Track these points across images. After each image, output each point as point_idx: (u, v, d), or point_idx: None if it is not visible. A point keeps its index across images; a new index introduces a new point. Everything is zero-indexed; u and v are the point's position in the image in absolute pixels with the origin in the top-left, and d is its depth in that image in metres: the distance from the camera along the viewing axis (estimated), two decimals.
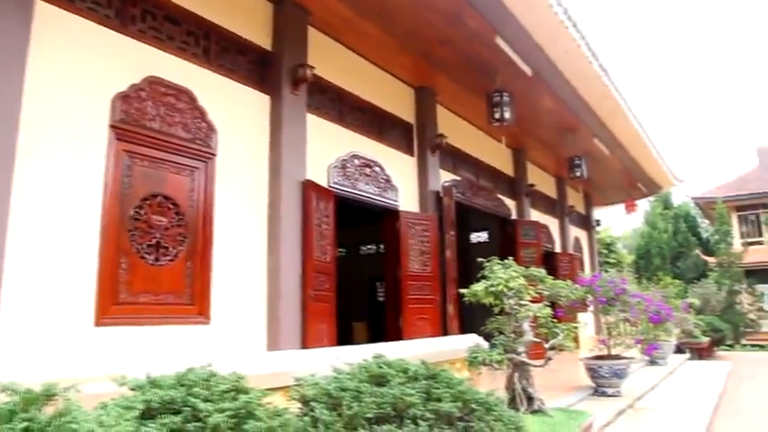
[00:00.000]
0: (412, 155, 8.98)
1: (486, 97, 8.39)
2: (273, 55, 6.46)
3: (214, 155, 5.60)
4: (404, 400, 2.32)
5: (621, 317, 8.08)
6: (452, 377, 2.69)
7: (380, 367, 2.59)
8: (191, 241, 5.22)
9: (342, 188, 7.20)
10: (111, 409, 1.50)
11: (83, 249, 4.41)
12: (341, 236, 8.37)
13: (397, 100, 8.78)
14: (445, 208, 9.12)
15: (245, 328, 5.64)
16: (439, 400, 2.43)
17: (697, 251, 25.80)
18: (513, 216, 12.25)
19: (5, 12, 4.04)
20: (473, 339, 5.29)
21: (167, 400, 1.62)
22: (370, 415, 2.24)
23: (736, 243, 24.69)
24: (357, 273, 14.74)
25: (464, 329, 7.84)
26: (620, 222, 32.69)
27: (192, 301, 5.15)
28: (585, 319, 13.29)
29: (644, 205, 27.05)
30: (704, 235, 28.67)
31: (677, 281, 18.29)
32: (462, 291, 5.37)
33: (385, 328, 8.29)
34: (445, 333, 8.34)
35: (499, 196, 11.75)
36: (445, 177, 9.65)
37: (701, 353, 14.41)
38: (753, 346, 19.87)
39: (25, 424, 1.27)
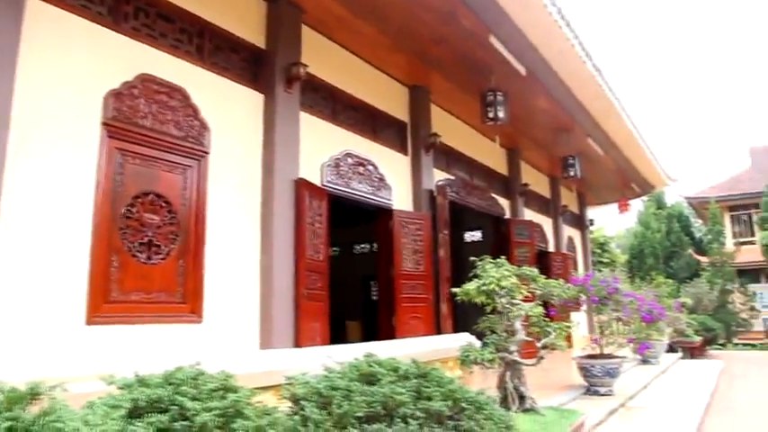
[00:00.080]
0: (406, 154, 8.98)
1: (480, 96, 8.40)
2: (267, 53, 6.44)
3: (207, 153, 5.58)
4: (394, 398, 2.33)
5: (614, 316, 8.11)
6: (443, 376, 2.69)
7: (371, 366, 2.59)
8: (183, 239, 5.20)
9: (335, 187, 7.19)
10: (98, 408, 1.49)
11: (74, 248, 4.38)
12: (335, 235, 8.36)
13: (390, 99, 8.78)
14: (439, 207, 9.12)
15: (237, 326, 5.62)
16: (429, 398, 2.44)
17: (690, 251, 25.91)
18: (507, 215, 12.27)
19: None
20: (466, 338, 5.30)
21: (155, 399, 1.62)
22: (360, 414, 2.25)
23: (729, 243, 24.85)
24: (351, 272, 14.73)
25: (458, 328, 7.85)
26: (613, 222, 32.78)
27: (184, 299, 5.13)
28: (578, 319, 13.34)
29: (637, 205, 27.14)
30: (697, 235, 28.80)
31: (670, 280, 18.40)
32: (455, 290, 5.38)
33: (378, 327, 8.28)
34: (438, 332, 8.35)
35: (493, 195, 11.77)
36: (439, 176, 9.65)
37: (693, 352, 14.49)
38: (744, 345, 20.01)
39: (9, 423, 1.26)
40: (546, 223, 14.71)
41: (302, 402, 2.37)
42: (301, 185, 6.38)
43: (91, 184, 4.56)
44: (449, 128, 10.09)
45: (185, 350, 4.93)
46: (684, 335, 14.12)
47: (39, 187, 4.22)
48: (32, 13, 4.32)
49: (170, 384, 1.71)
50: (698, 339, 14.77)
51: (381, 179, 8.13)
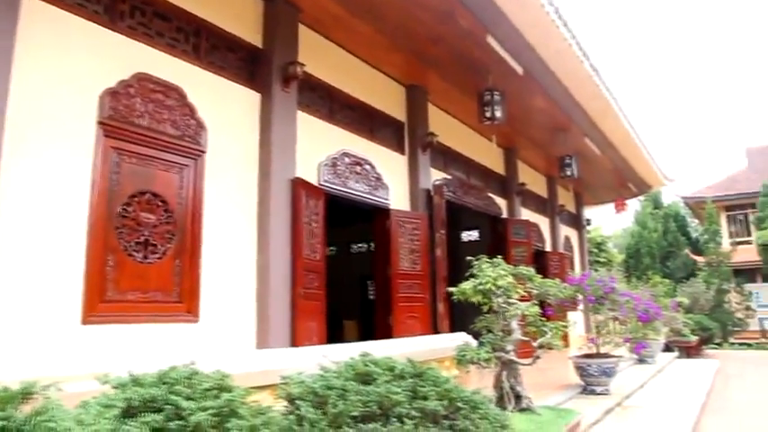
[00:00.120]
0: (403, 153, 8.98)
1: (477, 96, 8.41)
2: (264, 52, 6.43)
3: (203, 152, 5.57)
4: (389, 398, 2.32)
5: (611, 315, 8.12)
6: (439, 375, 2.69)
7: (367, 366, 2.58)
8: (179, 239, 5.20)
9: (332, 186, 7.19)
10: (91, 408, 1.49)
11: (70, 247, 4.37)
12: (332, 234, 8.37)
13: (388, 98, 8.78)
14: (436, 206, 9.13)
15: (234, 326, 5.62)
16: (425, 398, 2.44)
17: (686, 250, 25.98)
18: (504, 215, 12.28)
19: None
20: (462, 338, 5.30)
21: (149, 399, 1.61)
22: (355, 413, 2.24)
23: (725, 242, 24.89)
24: (348, 271, 14.73)
25: (455, 328, 7.85)
26: (610, 222, 32.83)
27: (180, 298, 5.13)
28: (575, 318, 13.36)
29: (634, 205, 27.20)
30: (694, 234, 28.87)
31: (667, 280, 18.41)
32: (451, 289, 5.38)
33: (375, 326, 8.29)
34: (435, 331, 8.36)
35: (490, 195, 11.78)
36: (436, 176, 9.66)
37: (689, 351, 14.51)
38: (741, 344, 20.07)
39: (1, 423, 1.25)
40: (543, 223, 14.73)
41: (298, 402, 2.37)
42: (298, 185, 6.37)
43: (87, 183, 4.55)
44: (446, 127, 10.09)
45: (182, 350, 4.93)
46: (681, 334, 14.14)
47: (34, 186, 4.21)
48: (28, 12, 4.31)
49: (164, 384, 1.71)
50: (694, 339, 14.79)
51: (378, 179, 8.13)
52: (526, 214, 13.36)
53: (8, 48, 4.10)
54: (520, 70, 7.97)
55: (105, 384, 1.78)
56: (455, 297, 5.29)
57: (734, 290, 19.79)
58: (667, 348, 13.61)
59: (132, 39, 5.12)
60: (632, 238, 27.67)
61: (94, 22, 4.82)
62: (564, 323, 5.88)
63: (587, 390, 7.43)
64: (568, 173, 12.39)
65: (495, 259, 5.42)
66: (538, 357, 5.25)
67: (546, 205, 15.24)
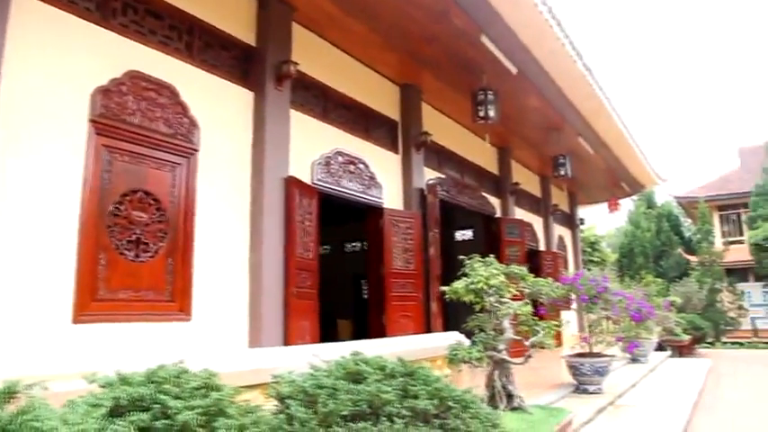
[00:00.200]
0: (397, 152, 8.98)
1: (471, 95, 8.42)
2: (257, 51, 6.41)
3: (196, 150, 5.55)
4: (380, 397, 2.32)
5: (603, 315, 8.15)
6: (430, 374, 2.69)
7: (357, 365, 2.58)
8: (172, 237, 5.18)
9: (325, 185, 7.18)
10: (78, 407, 1.48)
11: (60, 246, 4.35)
12: (326, 233, 8.35)
13: (382, 97, 8.77)
14: (429, 206, 9.13)
15: (226, 324, 5.61)
16: (415, 397, 2.44)
17: (679, 250, 26.11)
18: (498, 214, 12.31)
19: None
20: (455, 337, 5.30)
21: (136, 398, 1.60)
22: (345, 412, 2.24)
23: (718, 242, 25.05)
24: (342, 270, 14.74)
25: (448, 327, 7.86)
26: (604, 221, 32.96)
27: (172, 297, 5.11)
28: (569, 317, 13.41)
29: (627, 204, 27.32)
30: (686, 234, 29.01)
31: (659, 279, 18.54)
32: (443, 288, 5.39)
33: (368, 325, 8.29)
34: (429, 330, 8.37)
35: (484, 194, 11.80)
36: (430, 175, 9.66)
37: (681, 350, 14.58)
38: (733, 343, 20.21)
39: None
40: (537, 222, 14.77)
41: (288, 401, 2.36)
42: (291, 183, 6.36)
43: (78, 181, 4.53)
44: (440, 127, 10.10)
45: (174, 349, 4.91)
46: (673, 333, 14.21)
47: (25, 185, 4.18)
48: (19, 10, 4.27)
49: (152, 383, 1.70)
50: (687, 338, 14.86)
51: (372, 178, 8.13)
52: (520, 214, 13.38)
53: None
54: (514, 70, 7.99)
55: (93, 383, 1.77)
56: (447, 296, 5.30)
57: (726, 289, 19.89)
58: (660, 347, 13.67)
59: (124, 36, 5.10)
60: (625, 237, 27.79)
61: (86, 19, 4.79)
62: (556, 322, 5.89)
63: (580, 389, 7.46)
64: (562, 172, 12.43)
65: (487, 258, 5.43)
66: (530, 356, 5.27)
67: (540, 205, 15.27)
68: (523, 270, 5.67)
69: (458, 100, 9.27)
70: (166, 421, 1.55)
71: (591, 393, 7.31)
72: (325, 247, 15.23)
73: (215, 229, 5.63)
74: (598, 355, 7.75)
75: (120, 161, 4.86)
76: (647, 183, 16.91)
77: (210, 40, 5.97)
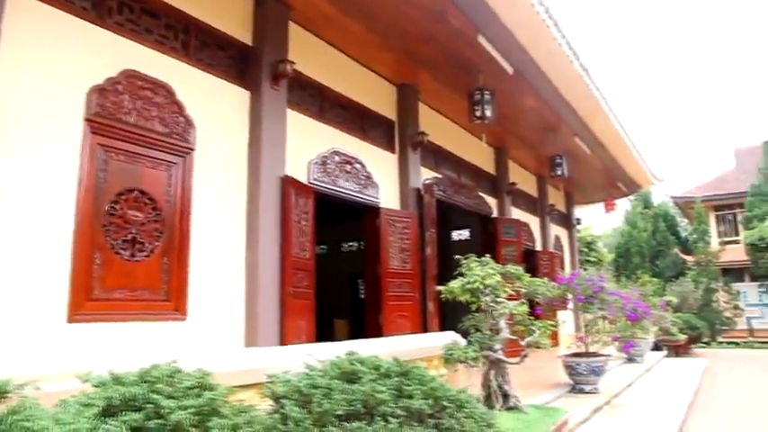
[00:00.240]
0: (393, 152, 8.97)
1: (467, 95, 8.42)
2: (254, 50, 6.40)
3: (192, 150, 5.54)
4: (374, 397, 2.32)
5: (600, 314, 8.16)
6: (425, 374, 2.69)
7: (352, 364, 2.58)
8: (167, 237, 5.17)
9: (322, 185, 7.18)
10: (70, 407, 1.47)
11: (55, 245, 4.33)
12: (322, 233, 8.35)
13: (378, 97, 8.77)
14: (426, 205, 9.13)
15: (222, 324, 5.60)
16: (410, 397, 2.43)
17: (676, 250, 26.19)
18: (495, 214, 12.31)
19: None
20: (451, 336, 5.30)
21: (129, 397, 1.60)
22: (340, 412, 2.24)
23: (714, 242, 25.12)
24: (339, 270, 14.74)
25: (445, 327, 7.87)
26: (601, 221, 33.01)
27: (168, 297, 5.10)
28: (565, 317, 13.44)
29: (624, 204, 27.40)
30: (683, 234, 29.09)
31: (656, 279, 18.57)
32: (439, 288, 5.39)
33: (365, 325, 8.28)
34: (425, 330, 8.37)
35: (480, 194, 11.80)
36: (426, 175, 9.66)
37: (677, 350, 14.62)
38: (728, 343, 20.26)
39: None
40: (533, 222, 14.78)
41: (283, 400, 2.36)
42: (287, 183, 6.36)
43: (73, 180, 4.51)
44: (437, 126, 10.10)
45: (169, 348, 4.90)
46: (669, 333, 14.25)
47: (19, 184, 4.17)
48: (13, 8, 4.25)
49: (145, 382, 1.70)
50: (683, 338, 14.90)
51: (368, 177, 8.13)
52: (517, 213, 13.39)
53: None
54: (510, 70, 7.99)
55: (86, 383, 1.76)
56: (443, 296, 5.30)
57: (722, 289, 19.96)
58: (656, 347, 13.70)
59: (120, 35, 5.08)
60: (622, 237, 27.87)
61: (82, 18, 4.78)
62: (552, 322, 5.90)
63: (576, 388, 7.47)
64: (559, 172, 12.46)
65: (483, 258, 5.43)
66: (525, 356, 5.27)
67: (536, 205, 15.28)
68: (519, 270, 5.67)
69: (455, 100, 9.28)
70: (159, 421, 1.54)
71: (587, 393, 7.32)
72: (322, 246, 15.23)
73: (211, 228, 5.62)
74: (594, 354, 7.76)
75: (115, 160, 4.85)
76: (643, 183, 16.94)
77: (207, 39, 5.95)
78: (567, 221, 17.97)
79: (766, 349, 19.38)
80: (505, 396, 5.00)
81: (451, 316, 8.49)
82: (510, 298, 5.39)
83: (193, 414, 1.61)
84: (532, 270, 11.74)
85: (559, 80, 9.07)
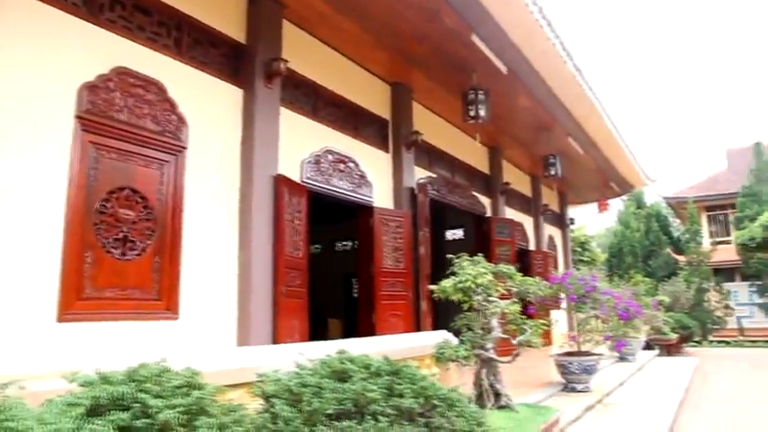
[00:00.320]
0: (387, 151, 8.97)
1: (461, 95, 8.43)
2: (247, 48, 6.38)
3: (184, 148, 5.52)
4: (365, 395, 2.31)
5: (592, 314, 8.19)
6: (415, 373, 2.68)
7: (343, 363, 2.57)
8: (159, 235, 5.14)
9: (315, 183, 7.16)
10: (55, 406, 1.46)
11: (45, 243, 4.30)
12: (316, 232, 8.33)
13: (372, 96, 8.76)
14: (420, 205, 9.14)
15: (214, 323, 5.58)
16: (401, 395, 2.43)
17: (668, 250, 26.32)
18: (489, 214, 12.33)
19: None
20: (443, 335, 5.30)
21: (116, 397, 1.59)
22: (330, 411, 2.23)
23: (706, 242, 25.28)
24: (332, 269, 14.73)
25: (438, 326, 7.86)
26: (594, 221, 33.13)
27: (159, 296, 5.07)
28: (558, 317, 13.47)
29: (617, 204, 27.52)
30: (675, 234, 29.24)
31: (648, 279, 18.65)
32: (432, 287, 5.39)
33: (358, 324, 8.28)
34: (418, 329, 8.38)
35: (474, 194, 11.82)
36: (420, 174, 9.66)
37: (669, 349, 14.69)
38: (719, 342, 20.42)
39: None
40: (527, 222, 14.81)
41: (273, 399, 2.35)
42: (280, 182, 6.34)
43: (64, 178, 4.48)
44: (430, 126, 10.10)
45: (161, 348, 4.87)
46: (661, 332, 14.31)
47: (8, 180, 4.13)
48: (2, 5, 4.22)
49: (133, 381, 1.68)
50: (674, 337, 14.97)
51: (362, 176, 8.12)
52: (510, 213, 13.42)
53: None
54: (504, 69, 8.00)
55: (73, 383, 1.75)
56: (436, 295, 5.30)
57: (713, 289, 20.09)
58: (648, 346, 13.77)
59: (112, 32, 5.05)
60: (615, 237, 27.98)
61: (73, 14, 4.75)
62: (545, 321, 5.91)
63: (568, 387, 7.49)
64: (552, 172, 12.49)
65: (475, 257, 5.43)
66: (517, 355, 5.28)
67: (530, 204, 15.32)
68: (511, 269, 5.67)
69: (448, 99, 9.28)
70: (147, 420, 1.53)
71: (579, 392, 7.34)
72: (316, 245, 15.21)
73: (203, 227, 5.60)
74: (586, 353, 7.79)
75: (106, 158, 4.82)
76: (636, 183, 17.02)
77: (200, 36, 5.93)
78: (561, 221, 18.03)
79: (756, 348, 19.53)
80: (497, 395, 5.00)
81: (445, 315, 8.48)
82: (502, 297, 5.39)
83: (181, 413, 1.60)
84: (526, 269, 11.78)
85: (553, 80, 9.09)
